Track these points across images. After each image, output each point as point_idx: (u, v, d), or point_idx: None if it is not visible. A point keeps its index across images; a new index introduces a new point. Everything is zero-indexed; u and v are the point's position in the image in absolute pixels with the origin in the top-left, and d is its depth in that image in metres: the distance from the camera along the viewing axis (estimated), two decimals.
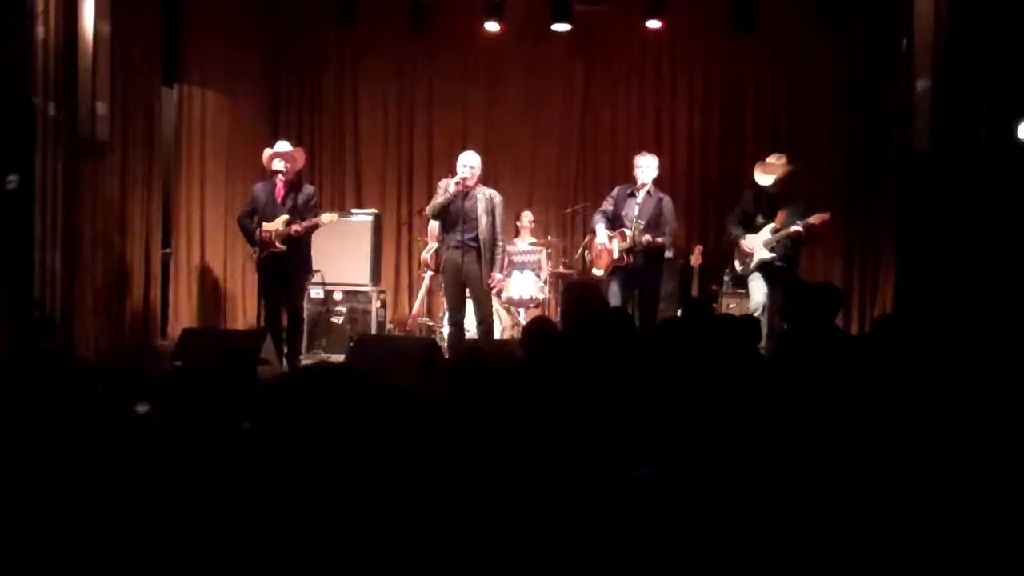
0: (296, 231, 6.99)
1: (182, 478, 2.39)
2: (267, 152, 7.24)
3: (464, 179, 6.65)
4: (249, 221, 7.11)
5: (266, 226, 6.98)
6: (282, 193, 7.07)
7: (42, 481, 2.14)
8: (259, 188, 7.20)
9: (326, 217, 7.29)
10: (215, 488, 2.31)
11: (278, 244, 6.96)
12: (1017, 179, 5.89)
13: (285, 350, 7.13)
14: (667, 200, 7.14)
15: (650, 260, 7.04)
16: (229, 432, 2.83)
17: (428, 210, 7.00)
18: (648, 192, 7.04)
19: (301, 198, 7.13)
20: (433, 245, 7.76)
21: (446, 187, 6.73)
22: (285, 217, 7.00)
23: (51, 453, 2.54)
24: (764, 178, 7.21)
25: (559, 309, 7.93)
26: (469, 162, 6.73)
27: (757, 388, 3.57)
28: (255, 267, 7.21)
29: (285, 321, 7.27)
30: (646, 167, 7.08)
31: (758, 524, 2.51)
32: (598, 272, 7.26)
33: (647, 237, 6.90)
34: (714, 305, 8.02)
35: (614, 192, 7.31)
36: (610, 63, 9.64)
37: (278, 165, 7.07)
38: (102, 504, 2.25)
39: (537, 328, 4.15)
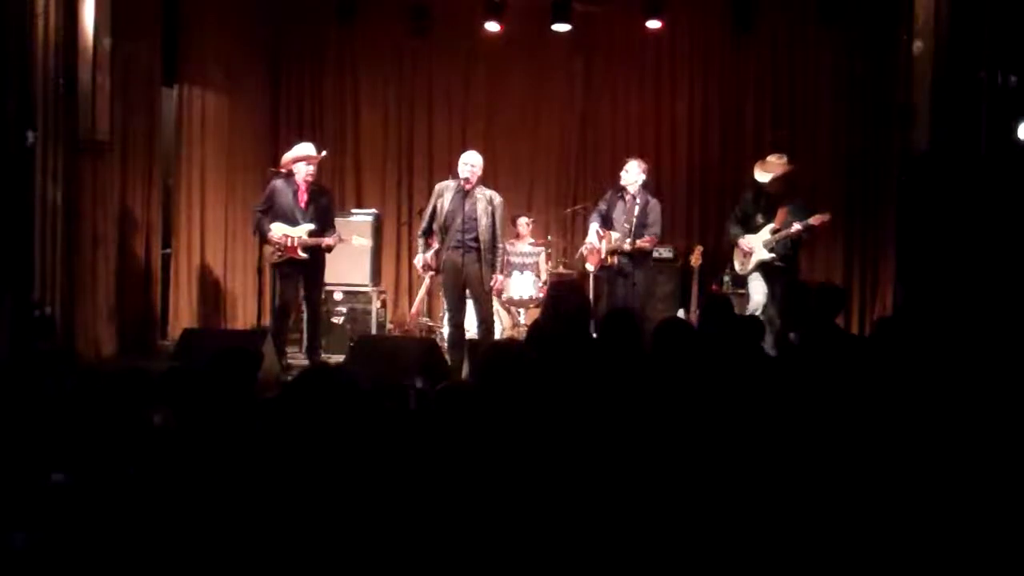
0: (328, 246, 7.06)
1: (186, 478, 2.39)
2: (291, 154, 7.21)
3: (466, 179, 6.69)
4: (265, 221, 7.06)
5: (288, 231, 6.97)
6: (305, 198, 7.07)
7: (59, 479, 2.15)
8: (280, 187, 7.12)
9: (356, 241, 7.54)
10: (220, 488, 2.31)
11: (300, 252, 6.98)
12: (1017, 179, 5.90)
13: (287, 351, 7.20)
14: (653, 204, 7.28)
15: (636, 261, 7.18)
16: (230, 432, 2.83)
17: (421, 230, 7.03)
18: (634, 196, 7.20)
19: (323, 204, 7.17)
20: (434, 246, 7.77)
21: (440, 191, 6.80)
22: (310, 227, 7.01)
23: (53, 452, 2.54)
24: (762, 175, 7.24)
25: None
26: (470, 161, 6.75)
27: (761, 387, 3.58)
28: (269, 265, 7.21)
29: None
30: (630, 171, 7.26)
31: (760, 522, 2.51)
32: (590, 268, 7.52)
33: (643, 241, 7.07)
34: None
35: (607, 194, 7.50)
36: (610, 63, 9.63)
37: (306, 169, 7.06)
38: (106, 503, 2.25)
39: (539, 328, 4.15)
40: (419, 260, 6.96)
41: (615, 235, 7.14)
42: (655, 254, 7.82)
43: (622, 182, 7.24)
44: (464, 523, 2.20)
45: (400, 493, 2.24)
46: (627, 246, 7.06)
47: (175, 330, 8.25)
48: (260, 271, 8.21)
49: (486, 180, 7.02)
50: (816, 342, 4.52)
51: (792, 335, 6.69)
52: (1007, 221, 5.92)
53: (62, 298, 6.82)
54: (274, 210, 7.05)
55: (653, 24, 8.98)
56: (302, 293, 7.14)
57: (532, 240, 8.85)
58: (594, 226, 7.33)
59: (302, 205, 7.05)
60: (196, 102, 8.81)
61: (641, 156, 7.54)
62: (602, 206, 7.39)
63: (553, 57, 9.55)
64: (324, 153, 7.44)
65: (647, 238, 7.10)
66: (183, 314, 8.64)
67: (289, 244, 6.95)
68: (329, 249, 7.14)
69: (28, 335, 6.20)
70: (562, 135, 9.76)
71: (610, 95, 9.66)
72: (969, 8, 6.19)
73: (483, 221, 6.68)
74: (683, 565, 2.39)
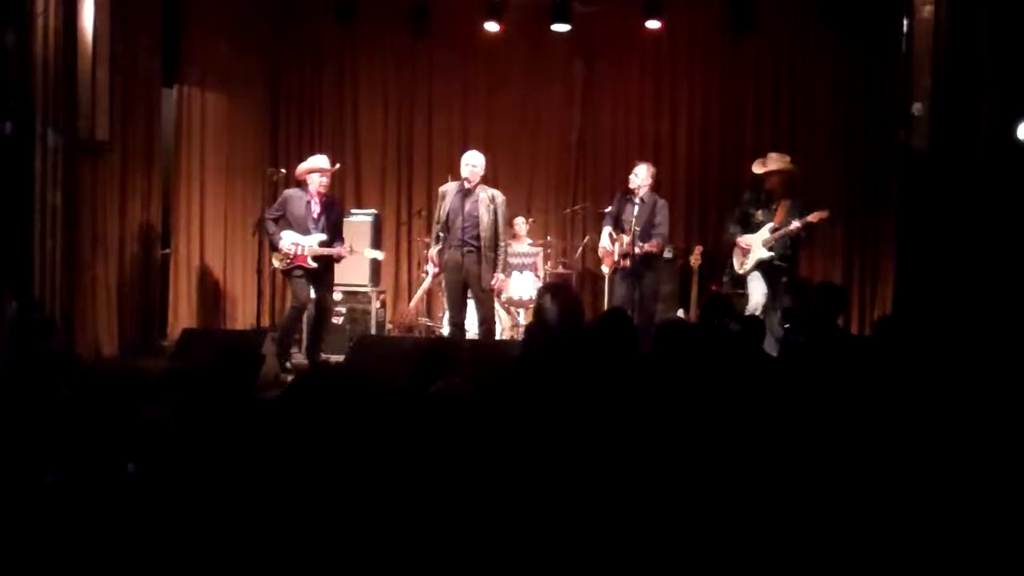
0: (339, 256, 7.16)
1: (186, 478, 2.38)
2: (306, 165, 7.30)
3: (467, 178, 6.71)
4: (276, 228, 7.14)
5: (299, 240, 7.05)
6: (319, 211, 7.15)
7: (49, 480, 2.14)
8: (295, 197, 7.22)
9: (369, 253, 7.75)
10: (220, 488, 2.30)
11: (310, 262, 7.06)
12: (1017, 179, 5.90)
13: (291, 351, 7.29)
14: (661, 205, 7.36)
15: (645, 263, 7.25)
16: (230, 432, 2.83)
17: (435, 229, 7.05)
18: (642, 199, 7.27)
19: (334, 216, 7.29)
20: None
21: (443, 194, 6.85)
22: (321, 237, 7.11)
23: (55, 454, 2.54)
24: (758, 167, 7.32)
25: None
26: (472, 161, 6.78)
27: (762, 387, 3.58)
28: (281, 272, 7.33)
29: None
30: (638, 174, 7.33)
31: (760, 523, 2.51)
32: (605, 270, 7.63)
33: (651, 245, 7.15)
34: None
35: (616, 196, 7.58)
36: (610, 63, 9.64)
37: (319, 180, 7.14)
38: (108, 504, 2.25)
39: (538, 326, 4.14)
40: (433, 250, 7.01)
41: (627, 238, 7.22)
42: None
43: (631, 185, 7.32)
44: (461, 525, 2.20)
45: (399, 494, 2.24)
46: (637, 249, 7.11)
47: (175, 330, 8.25)
48: (260, 271, 8.23)
49: (486, 180, 7.03)
50: (817, 342, 4.52)
51: (795, 335, 6.69)
52: (1007, 221, 5.92)
53: (62, 298, 6.82)
54: (286, 218, 7.13)
55: (653, 24, 8.98)
56: (313, 295, 7.24)
57: (530, 240, 8.87)
58: (607, 229, 7.44)
59: (315, 215, 7.15)
60: (196, 102, 8.82)
61: (641, 156, 7.62)
62: (613, 209, 7.49)
63: (553, 57, 9.55)
64: (338, 166, 7.60)
65: (653, 242, 7.17)
66: (183, 314, 8.64)
67: (299, 253, 7.04)
68: (339, 259, 7.22)
69: (28, 336, 6.19)
70: (562, 135, 9.76)
71: (610, 95, 9.66)
72: (969, 9, 6.19)
73: (484, 218, 6.70)
74: (683, 566, 2.39)
